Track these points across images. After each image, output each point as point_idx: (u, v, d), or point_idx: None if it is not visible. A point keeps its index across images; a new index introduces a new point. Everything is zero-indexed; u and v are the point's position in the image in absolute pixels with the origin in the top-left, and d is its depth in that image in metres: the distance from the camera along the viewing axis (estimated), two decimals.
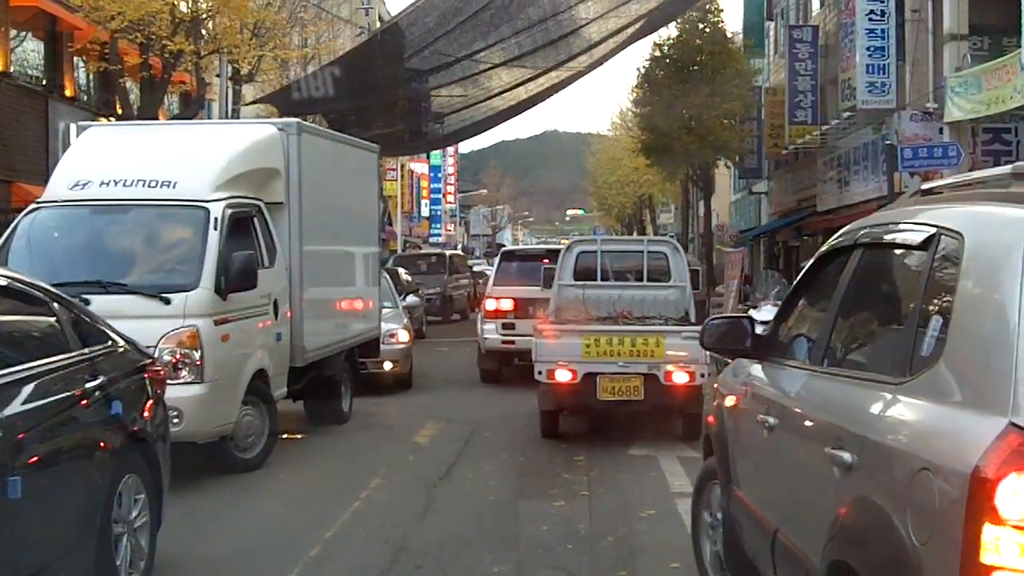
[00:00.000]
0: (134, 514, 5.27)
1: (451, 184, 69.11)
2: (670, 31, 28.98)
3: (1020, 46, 13.63)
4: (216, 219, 8.61)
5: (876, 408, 3.28)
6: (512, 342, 14.66)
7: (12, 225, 8.99)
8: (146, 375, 5.78)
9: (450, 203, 69.99)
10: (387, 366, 14.03)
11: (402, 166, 47.01)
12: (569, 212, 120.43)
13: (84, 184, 8.99)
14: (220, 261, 8.41)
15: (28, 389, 4.46)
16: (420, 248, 46.82)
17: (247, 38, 20.68)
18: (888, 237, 3.84)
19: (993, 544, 2.52)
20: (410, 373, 14.85)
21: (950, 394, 2.91)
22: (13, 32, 20.34)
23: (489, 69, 22.07)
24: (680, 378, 9.92)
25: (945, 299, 3.11)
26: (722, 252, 35.60)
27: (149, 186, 8.87)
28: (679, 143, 27.45)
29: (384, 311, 13.73)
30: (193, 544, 6.55)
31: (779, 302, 6.26)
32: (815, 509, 3.58)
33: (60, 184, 9.19)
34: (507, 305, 15.06)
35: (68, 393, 4.80)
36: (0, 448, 4.10)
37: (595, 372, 10.00)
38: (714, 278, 30.63)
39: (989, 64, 15.17)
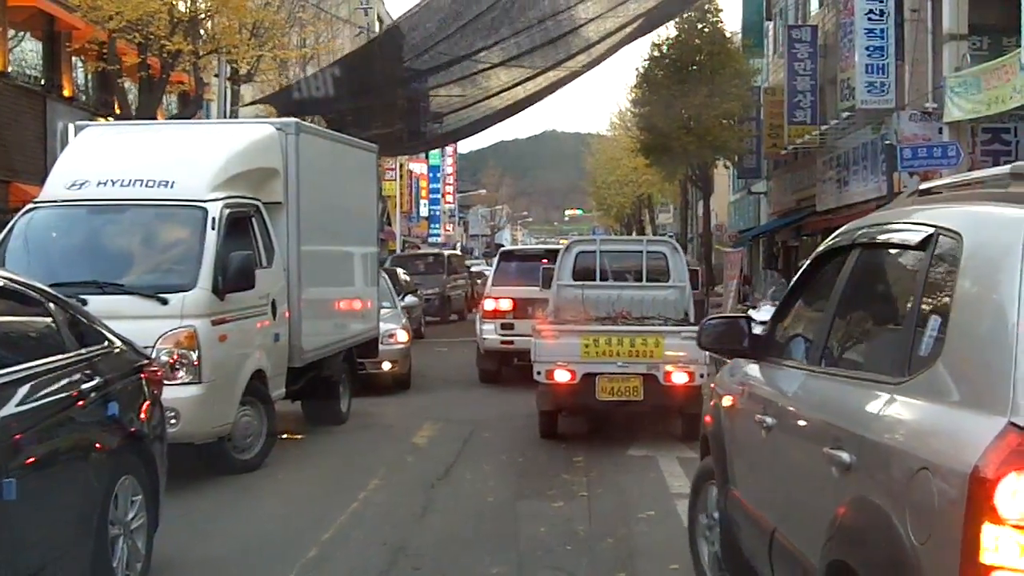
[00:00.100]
0: (131, 515, 5.25)
1: (450, 184, 69.06)
2: (669, 31, 28.99)
3: (1020, 46, 13.61)
4: (214, 219, 8.59)
5: (875, 408, 3.27)
6: (511, 342, 14.65)
7: (9, 225, 8.97)
8: (143, 376, 5.76)
9: (449, 203, 69.94)
10: (386, 366, 14.02)
11: (401, 166, 46.97)
12: (568, 212, 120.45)
13: (81, 184, 8.97)
14: (218, 261, 8.39)
15: (24, 390, 4.44)
16: (419, 248, 46.78)
17: (246, 38, 20.65)
18: (886, 237, 3.84)
19: (993, 544, 2.52)
20: (409, 373, 14.83)
21: (949, 394, 2.91)
22: (11, 32, 20.31)
23: (488, 69, 22.06)
24: (679, 378, 9.90)
25: (943, 299, 3.11)
26: (721, 252, 35.61)
27: (147, 186, 8.85)
28: (678, 143, 27.44)
29: (383, 311, 13.71)
30: (191, 545, 6.53)
31: (777, 302, 6.23)
32: (813, 509, 3.58)
33: (57, 184, 9.16)
34: (506, 305, 15.05)
35: (64, 394, 4.78)
36: None
37: (594, 372, 9.98)
38: (713, 278, 30.63)
39: (988, 64, 15.16)
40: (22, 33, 20.86)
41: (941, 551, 2.67)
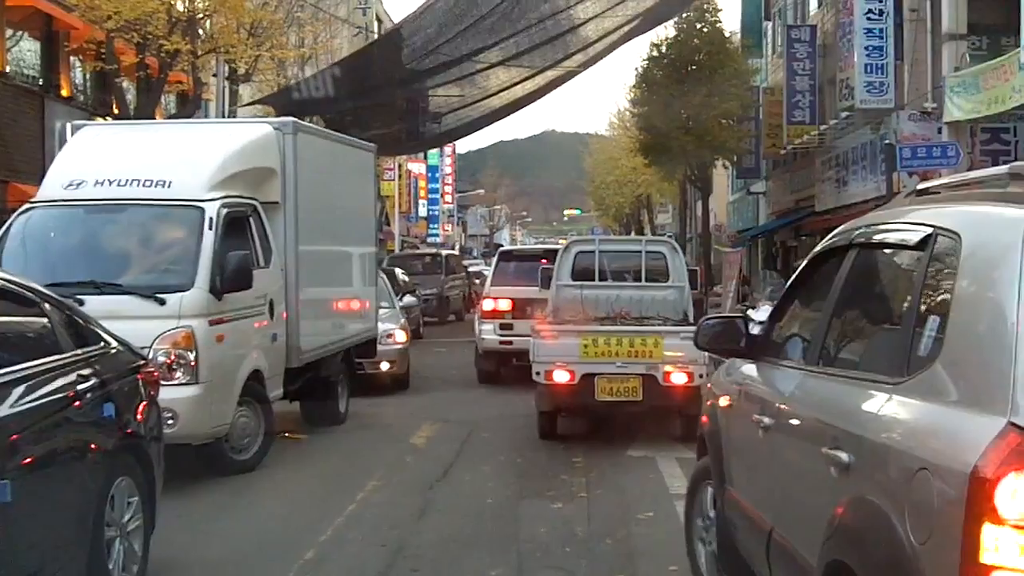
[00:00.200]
0: (127, 517, 5.23)
1: (449, 184, 69.06)
2: (668, 31, 28.95)
3: (1019, 46, 13.58)
4: (211, 219, 8.57)
5: (873, 408, 3.27)
6: (510, 342, 14.62)
7: (6, 225, 8.94)
8: (139, 376, 5.73)
9: (448, 203, 69.93)
10: (384, 366, 14.00)
11: (400, 166, 46.95)
12: (567, 212, 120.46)
13: (78, 184, 8.94)
14: (215, 261, 8.37)
15: (19, 391, 4.42)
16: (418, 248, 46.74)
17: (244, 38, 20.60)
18: (884, 237, 3.83)
19: (993, 544, 2.52)
20: (407, 373, 14.81)
21: (948, 394, 2.90)
22: (9, 31, 20.28)
23: (486, 68, 22.04)
24: (679, 379, 9.88)
25: (942, 299, 3.11)
26: (720, 252, 35.58)
27: (144, 186, 8.83)
28: (677, 143, 27.40)
29: (381, 311, 13.68)
30: (188, 547, 6.50)
31: (773, 302, 6.22)
32: (811, 509, 3.57)
33: (54, 184, 9.14)
34: (505, 305, 15.02)
35: (60, 395, 4.75)
36: None
37: (593, 373, 9.95)
38: (712, 278, 30.60)
39: (986, 64, 15.14)
40: (20, 33, 20.82)
41: (941, 551, 2.67)
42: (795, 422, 4.04)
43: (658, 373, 9.90)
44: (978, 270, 3.00)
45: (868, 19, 19.42)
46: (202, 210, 8.62)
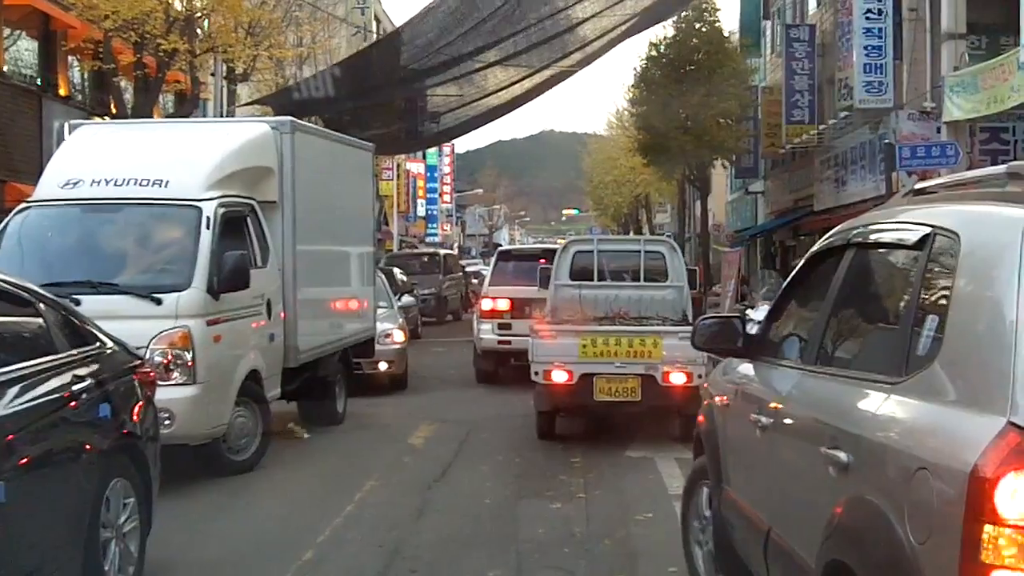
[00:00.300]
0: (123, 518, 5.21)
1: (447, 184, 69.05)
2: (666, 30, 28.90)
3: (1019, 45, 13.56)
4: (208, 218, 8.54)
5: (872, 408, 3.26)
6: (508, 342, 14.60)
7: (2, 225, 8.90)
8: (135, 377, 5.70)
9: (446, 203, 69.93)
10: (382, 366, 13.97)
11: (398, 166, 46.93)
12: (565, 212, 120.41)
13: (75, 183, 8.91)
14: (212, 261, 8.34)
15: (13, 392, 4.39)
16: (416, 248, 46.69)
17: (242, 37, 20.58)
18: (882, 236, 3.83)
19: (992, 543, 2.52)
20: (405, 373, 14.79)
21: (947, 393, 2.90)
22: (7, 31, 20.25)
23: (485, 68, 22.02)
24: (678, 379, 9.86)
25: (941, 298, 3.11)
26: (719, 252, 35.55)
27: (141, 185, 8.80)
28: (675, 143, 27.36)
29: (379, 311, 13.66)
30: (184, 548, 6.48)
31: (770, 302, 6.21)
32: (810, 508, 3.57)
33: (51, 183, 9.11)
34: (503, 305, 15.00)
35: (55, 395, 4.73)
36: None
37: (592, 373, 9.93)
38: (711, 278, 30.56)
39: (985, 64, 15.11)
40: (18, 32, 20.79)
41: (940, 551, 2.67)
42: (793, 422, 4.04)
43: (657, 373, 9.88)
44: (977, 269, 3.00)
45: (867, 18, 19.39)
46: (199, 209, 8.59)
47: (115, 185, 8.83)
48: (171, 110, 23.94)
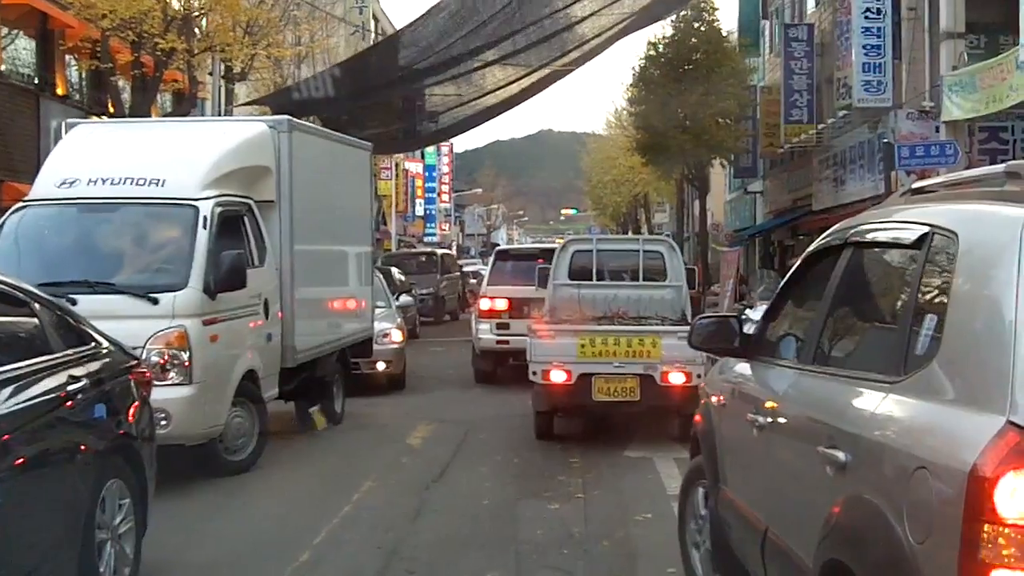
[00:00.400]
0: (118, 519, 5.18)
1: (446, 183, 69.03)
2: (665, 30, 28.88)
3: (1018, 44, 13.53)
4: (205, 218, 8.51)
5: (870, 407, 3.26)
6: (507, 342, 14.58)
7: None
8: (131, 377, 5.67)
9: (445, 203, 69.91)
10: (380, 366, 13.95)
11: (397, 165, 46.89)
12: (564, 212, 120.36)
13: (72, 182, 8.88)
14: (209, 260, 8.31)
15: (7, 392, 4.37)
16: (415, 247, 46.65)
17: (240, 36, 20.55)
18: (880, 236, 3.82)
19: (992, 543, 2.51)
20: (403, 373, 14.76)
21: (946, 393, 2.89)
22: (4, 30, 20.22)
23: (483, 67, 22.00)
24: (676, 379, 9.83)
25: (939, 297, 3.10)
26: (718, 251, 35.53)
27: (137, 184, 8.77)
28: (674, 142, 27.33)
29: (377, 311, 13.63)
30: (181, 549, 6.45)
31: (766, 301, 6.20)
32: (807, 508, 3.56)
33: (47, 182, 9.07)
34: (502, 305, 14.98)
35: (49, 396, 4.70)
36: None
37: (590, 373, 9.91)
38: (710, 277, 30.54)
39: (983, 64, 15.09)
40: (15, 31, 20.75)
41: (939, 550, 2.66)
42: (790, 421, 4.03)
43: (656, 373, 9.86)
44: (975, 268, 2.99)
45: (866, 18, 19.37)
46: (196, 209, 8.56)
47: (112, 184, 8.80)
48: (169, 109, 23.90)
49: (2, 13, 19.60)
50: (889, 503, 2.93)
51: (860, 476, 3.20)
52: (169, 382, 7.86)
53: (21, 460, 4.29)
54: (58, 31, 20.71)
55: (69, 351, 5.13)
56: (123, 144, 9.86)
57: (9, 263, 7.97)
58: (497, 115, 25.86)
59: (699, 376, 9.78)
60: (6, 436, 4.21)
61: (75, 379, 4.95)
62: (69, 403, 4.84)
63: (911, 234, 3.43)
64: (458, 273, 32.25)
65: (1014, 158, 14.95)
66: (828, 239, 4.36)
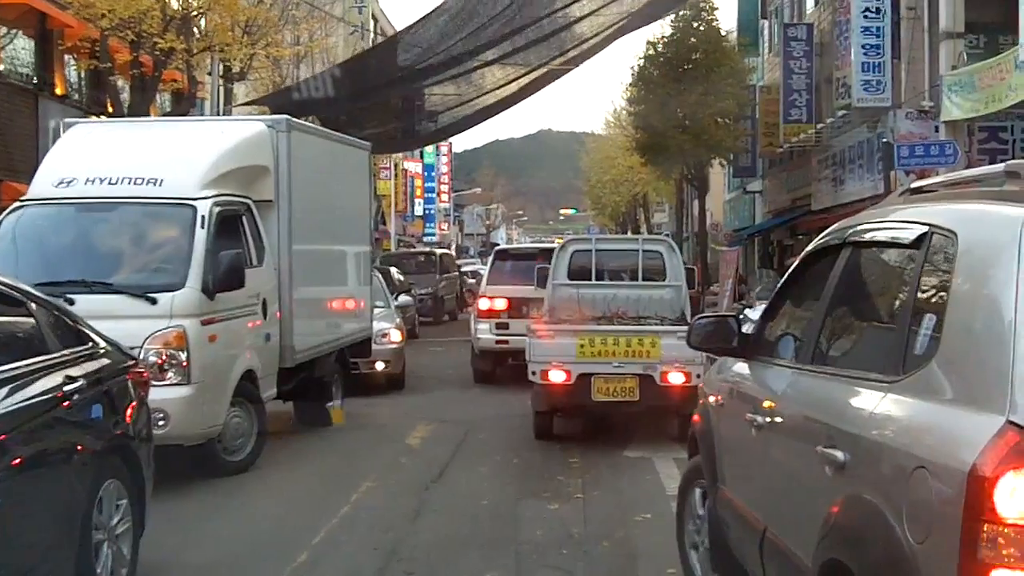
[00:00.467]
0: (115, 520, 5.16)
1: (445, 183, 69.01)
2: (664, 29, 28.89)
3: (1018, 44, 13.52)
4: (203, 217, 8.49)
5: (869, 406, 3.25)
6: (506, 342, 14.57)
7: None
8: (128, 377, 5.65)
9: (444, 202, 69.89)
10: (379, 366, 13.92)
11: (396, 165, 46.87)
12: (563, 211, 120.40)
13: (69, 182, 8.86)
14: (207, 260, 8.29)
15: (3, 392, 4.35)
16: (414, 247, 46.61)
17: (238, 36, 20.53)
18: (879, 235, 3.82)
19: (991, 543, 2.51)
20: (403, 373, 14.74)
21: (945, 392, 2.89)
22: (3, 30, 20.20)
23: (482, 67, 21.99)
24: (676, 379, 9.82)
25: (938, 297, 3.10)
26: (717, 251, 35.51)
27: (135, 183, 8.75)
28: (673, 142, 27.32)
29: (376, 310, 13.61)
30: (178, 549, 6.43)
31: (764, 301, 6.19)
32: (806, 508, 3.56)
33: (45, 181, 9.05)
34: (501, 304, 14.97)
35: (46, 396, 4.68)
36: None
37: (590, 373, 9.89)
38: (709, 277, 30.53)
39: (982, 63, 15.08)
40: (14, 31, 20.73)
41: (939, 549, 2.66)
42: (789, 421, 4.02)
43: (655, 373, 9.84)
44: (974, 268, 2.99)
45: (865, 17, 19.36)
46: (194, 208, 8.54)
47: (109, 184, 8.78)
48: (168, 109, 23.88)
49: (1, 13, 19.58)
50: (888, 503, 2.93)
51: (859, 476, 3.20)
52: (167, 382, 7.84)
53: (17, 460, 4.27)
54: (57, 31, 20.69)
55: (66, 351, 5.11)
56: (121, 143, 9.84)
57: (7, 263, 7.97)
58: (496, 114, 25.85)
59: (698, 376, 9.76)
60: (2, 436, 4.20)
61: (72, 379, 4.93)
62: (66, 403, 4.82)
63: (910, 234, 3.42)
64: (456, 273, 32.20)
65: (1013, 158, 14.94)
66: (827, 239, 4.36)
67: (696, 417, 5.41)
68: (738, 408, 4.62)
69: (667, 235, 31.15)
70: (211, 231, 8.46)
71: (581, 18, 20.79)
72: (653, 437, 10.36)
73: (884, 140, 18.22)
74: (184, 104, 21.08)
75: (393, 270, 22.58)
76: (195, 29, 19.72)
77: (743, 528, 4.45)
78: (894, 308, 3.54)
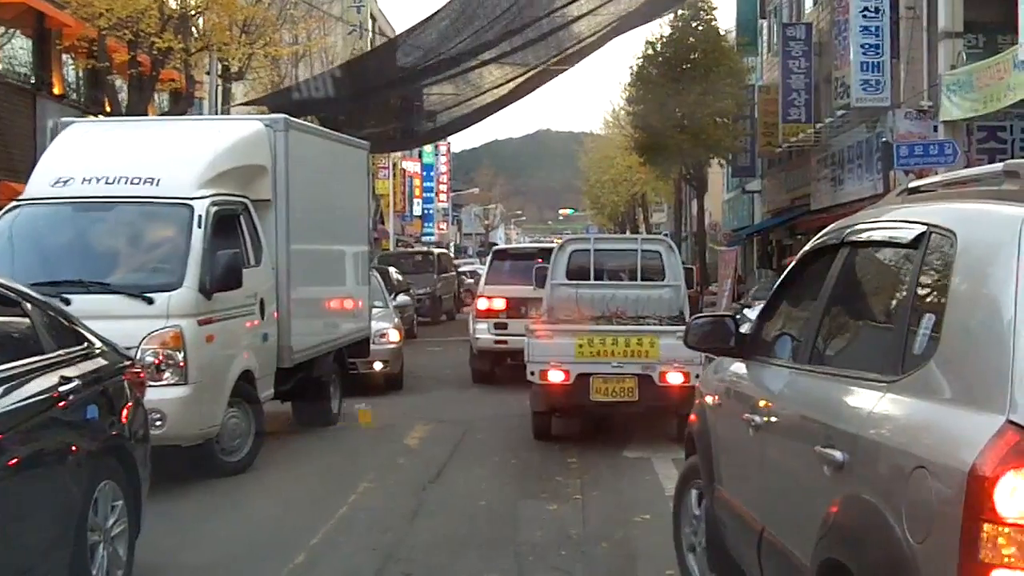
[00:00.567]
0: (111, 521, 5.13)
1: (443, 183, 69.00)
2: (663, 29, 28.91)
3: (1017, 43, 13.51)
4: (200, 217, 8.46)
5: (868, 406, 3.25)
6: (505, 342, 14.55)
7: None
8: (125, 377, 5.63)
9: (443, 202, 69.88)
10: (377, 366, 13.90)
11: (394, 165, 46.86)
12: (562, 211, 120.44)
13: (66, 181, 8.84)
14: (205, 260, 8.26)
15: None
16: (413, 246, 46.59)
17: (237, 35, 20.52)
18: (877, 235, 3.81)
19: (991, 543, 2.51)
20: (401, 373, 14.72)
21: (944, 392, 2.89)
22: (1, 29, 20.15)
23: (481, 66, 21.99)
24: (675, 379, 9.80)
25: (937, 297, 3.10)
26: (715, 251, 35.52)
27: (132, 183, 8.72)
28: (672, 141, 27.34)
29: (375, 310, 13.58)
30: (175, 551, 6.41)
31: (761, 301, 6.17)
32: (804, 507, 3.55)
33: (41, 181, 9.03)
34: (499, 304, 14.95)
35: (41, 396, 4.66)
36: None
37: (588, 373, 9.87)
38: (708, 277, 30.53)
39: (981, 63, 15.09)
40: (12, 30, 20.70)
41: (939, 549, 2.65)
42: (787, 421, 4.01)
43: (654, 373, 9.82)
44: (973, 267, 2.98)
45: (864, 17, 19.35)
46: (191, 208, 8.52)
47: (106, 183, 8.75)
48: (166, 109, 23.85)
49: None
50: (887, 502, 2.92)
51: (858, 475, 3.19)
52: (164, 382, 7.82)
53: (12, 461, 4.25)
54: (55, 30, 20.66)
55: (61, 351, 5.09)
56: (118, 143, 9.82)
57: (3, 262, 7.96)
58: (495, 112, 25.87)
59: (697, 376, 9.75)
60: None
61: (67, 379, 4.91)
62: (61, 404, 4.79)
63: (908, 233, 3.42)
64: (454, 273, 32.16)
65: (1012, 157, 14.95)
66: (824, 238, 4.35)
67: (692, 417, 5.40)
68: (735, 408, 4.61)
69: (666, 235, 31.18)
70: (208, 231, 8.44)
71: (579, 17, 20.78)
72: (652, 437, 10.34)
73: (883, 140, 18.24)
74: (182, 104, 21.05)
75: (391, 270, 22.55)
76: (193, 28, 19.70)
77: (741, 528, 4.44)
78: (892, 308, 3.53)
